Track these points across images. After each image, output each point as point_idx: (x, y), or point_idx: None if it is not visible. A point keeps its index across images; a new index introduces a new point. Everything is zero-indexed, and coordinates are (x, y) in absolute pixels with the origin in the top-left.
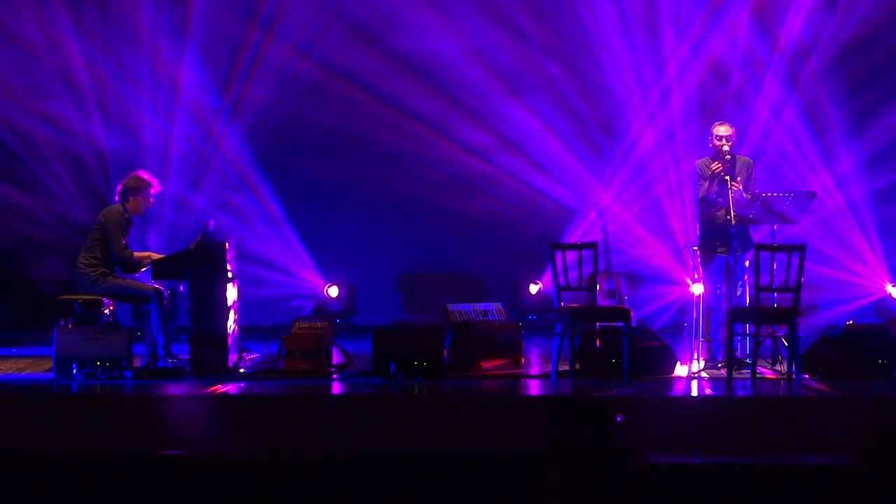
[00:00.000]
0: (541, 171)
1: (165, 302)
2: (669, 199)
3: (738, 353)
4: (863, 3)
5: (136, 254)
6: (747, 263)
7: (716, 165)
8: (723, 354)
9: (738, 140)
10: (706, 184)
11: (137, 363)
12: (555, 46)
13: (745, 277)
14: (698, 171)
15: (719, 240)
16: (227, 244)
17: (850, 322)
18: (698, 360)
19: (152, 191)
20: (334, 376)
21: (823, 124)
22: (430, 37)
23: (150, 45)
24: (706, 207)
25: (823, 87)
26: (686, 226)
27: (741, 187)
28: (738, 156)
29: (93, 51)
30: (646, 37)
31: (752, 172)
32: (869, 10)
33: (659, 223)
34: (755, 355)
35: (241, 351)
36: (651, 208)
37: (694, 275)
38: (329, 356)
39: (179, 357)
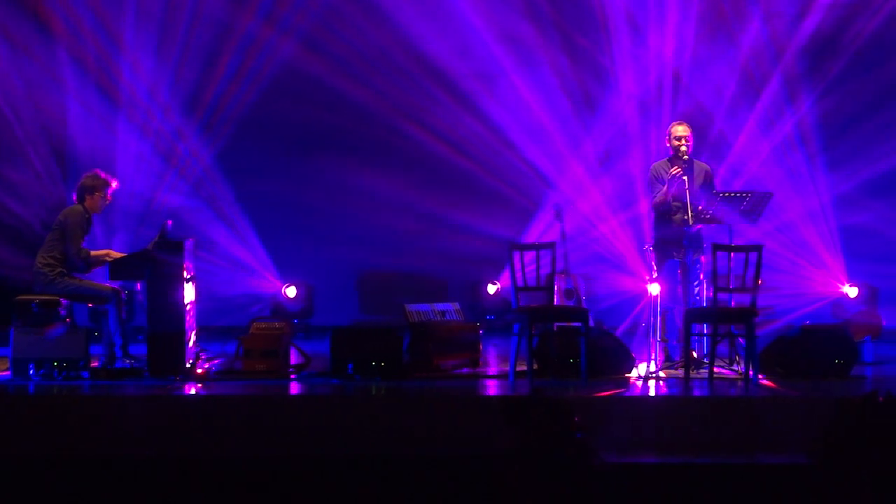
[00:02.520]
0: (500, 171)
1: (123, 302)
2: (625, 201)
3: (696, 353)
4: (828, 6)
5: (95, 252)
6: (703, 259)
7: (675, 170)
8: (680, 354)
9: (697, 144)
10: (665, 188)
11: (95, 364)
12: (518, 48)
13: (702, 277)
14: (654, 174)
15: (675, 241)
16: (185, 244)
17: (807, 322)
18: (655, 360)
19: (110, 189)
20: (292, 377)
21: (784, 127)
22: (389, 36)
23: (111, 43)
24: (662, 211)
25: (786, 91)
26: (644, 227)
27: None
28: (695, 160)
29: (50, 48)
30: (606, 40)
31: (710, 179)
32: (832, 14)
33: (618, 224)
34: (712, 355)
35: (198, 351)
36: (608, 211)
37: (651, 275)
38: (287, 356)
39: (137, 357)
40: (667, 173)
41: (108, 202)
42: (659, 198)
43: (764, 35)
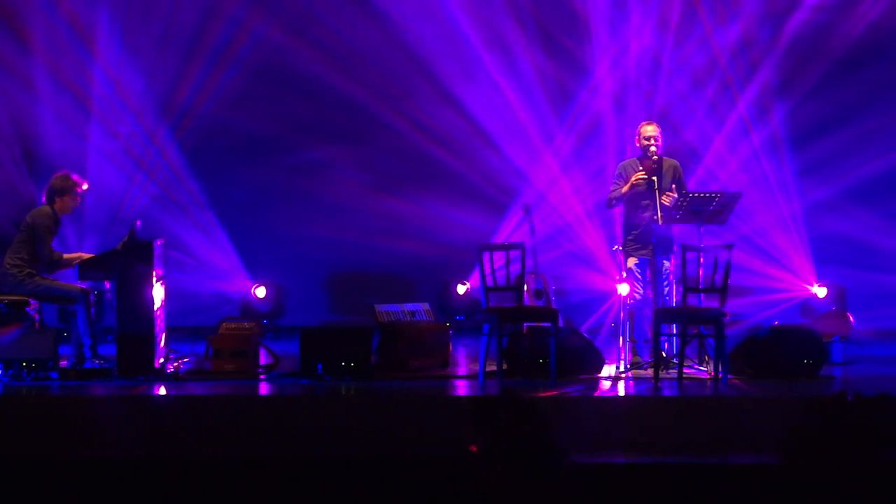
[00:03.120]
0: (470, 171)
1: (92, 302)
2: (597, 203)
3: (665, 353)
4: (801, 9)
5: (67, 255)
6: (671, 262)
7: (640, 175)
8: (649, 354)
9: (667, 143)
10: (624, 187)
11: (64, 364)
12: (491, 44)
13: (671, 278)
14: (619, 171)
15: (643, 240)
16: (154, 244)
17: (776, 322)
18: (625, 360)
19: (79, 190)
20: (262, 377)
21: (755, 130)
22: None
23: (82, 44)
24: (624, 208)
25: (758, 94)
26: (615, 227)
27: (674, 195)
28: (664, 158)
29: (21, 49)
30: (577, 39)
31: (679, 176)
32: (805, 17)
33: (587, 225)
34: (682, 355)
35: (168, 352)
36: (579, 211)
37: (620, 275)
38: (256, 357)
39: (106, 358)
40: (633, 173)
41: (77, 203)
42: (615, 193)
43: (738, 39)
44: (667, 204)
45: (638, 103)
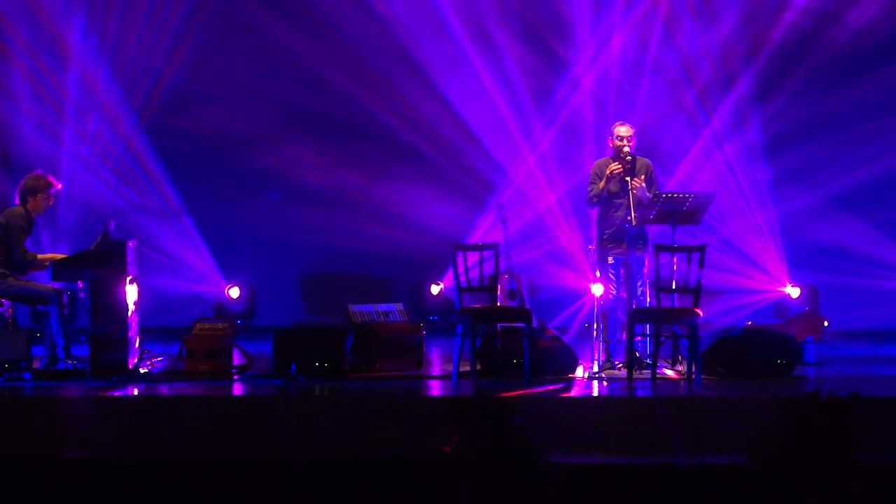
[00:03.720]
0: (443, 170)
1: (65, 303)
2: (571, 204)
3: (639, 354)
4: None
5: (40, 256)
6: (644, 262)
7: (615, 166)
8: (623, 355)
9: (639, 142)
10: (601, 183)
11: (37, 365)
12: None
13: (645, 278)
14: (594, 171)
15: (617, 240)
16: (127, 244)
17: (750, 322)
18: (598, 360)
19: (52, 190)
20: (235, 377)
21: (716, 119)
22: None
23: (56, 44)
24: (605, 204)
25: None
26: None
27: (643, 184)
28: (637, 156)
29: None
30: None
31: (652, 173)
32: (778, 16)
33: (560, 225)
34: (655, 355)
35: (141, 352)
36: (554, 211)
37: (594, 275)
38: (230, 357)
39: (80, 358)
40: (608, 169)
41: (50, 203)
42: (594, 192)
43: (717, 45)
44: (636, 189)
45: (617, 103)
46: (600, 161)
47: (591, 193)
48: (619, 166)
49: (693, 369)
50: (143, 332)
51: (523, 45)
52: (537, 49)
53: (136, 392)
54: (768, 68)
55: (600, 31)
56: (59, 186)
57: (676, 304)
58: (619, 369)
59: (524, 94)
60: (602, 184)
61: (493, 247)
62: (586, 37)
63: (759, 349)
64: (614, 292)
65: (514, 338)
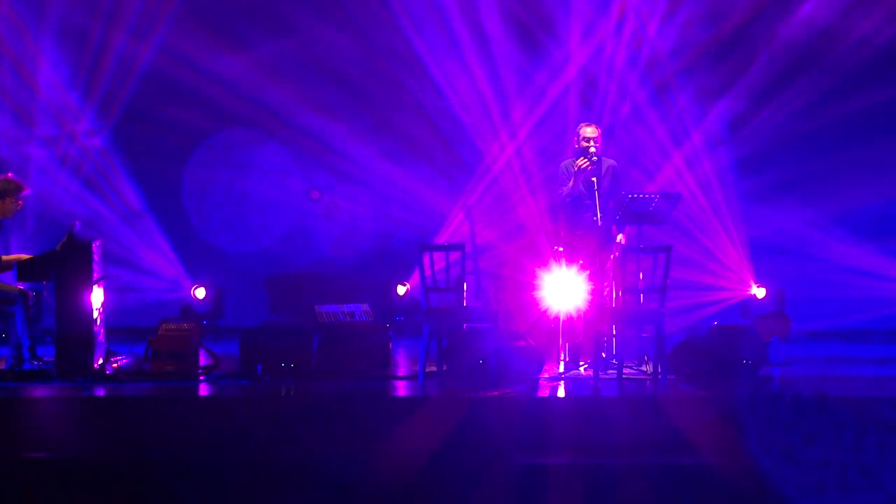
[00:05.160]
0: (411, 170)
1: (30, 304)
2: (536, 205)
3: (605, 354)
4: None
5: (5, 257)
6: (610, 262)
7: (583, 161)
8: (588, 355)
9: (603, 143)
10: (570, 182)
11: (2, 366)
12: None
13: (611, 279)
14: (563, 171)
15: (583, 240)
16: (93, 245)
17: (715, 323)
18: (565, 361)
19: (21, 193)
20: (201, 378)
21: (687, 123)
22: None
23: (23, 46)
24: (572, 204)
25: (687, 86)
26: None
27: (586, 163)
28: (603, 158)
29: None
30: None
31: (617, 174)
32: (732, 9)
33: (527, 226)
34: (621, 356)
35: (107, 353)
36: (520, 210)
37: (561, 275)
38: (196, 358)
39: (45, 359)
40: (574, 167)
41: (19, 207)
42: (566, 191)
43: (675, 37)
44: (583, 166)
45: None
46: (567, 162)
47: (565, 193)
48: (587, 161)
49: (659, 370)
50: (109, 332)
51: (503, 39)
52: (518, 43)
53: (101, 393)
54: (732, 62)
55: (571, 30)
56: (29, 191)
57: (642, 305)
58: (585, 370)
59: (495, 93)
60: (572, 182)
61: (460, 247)
62: (569, 32)
63: (724, 349)
64: (578, 293)
65: (481, 338)
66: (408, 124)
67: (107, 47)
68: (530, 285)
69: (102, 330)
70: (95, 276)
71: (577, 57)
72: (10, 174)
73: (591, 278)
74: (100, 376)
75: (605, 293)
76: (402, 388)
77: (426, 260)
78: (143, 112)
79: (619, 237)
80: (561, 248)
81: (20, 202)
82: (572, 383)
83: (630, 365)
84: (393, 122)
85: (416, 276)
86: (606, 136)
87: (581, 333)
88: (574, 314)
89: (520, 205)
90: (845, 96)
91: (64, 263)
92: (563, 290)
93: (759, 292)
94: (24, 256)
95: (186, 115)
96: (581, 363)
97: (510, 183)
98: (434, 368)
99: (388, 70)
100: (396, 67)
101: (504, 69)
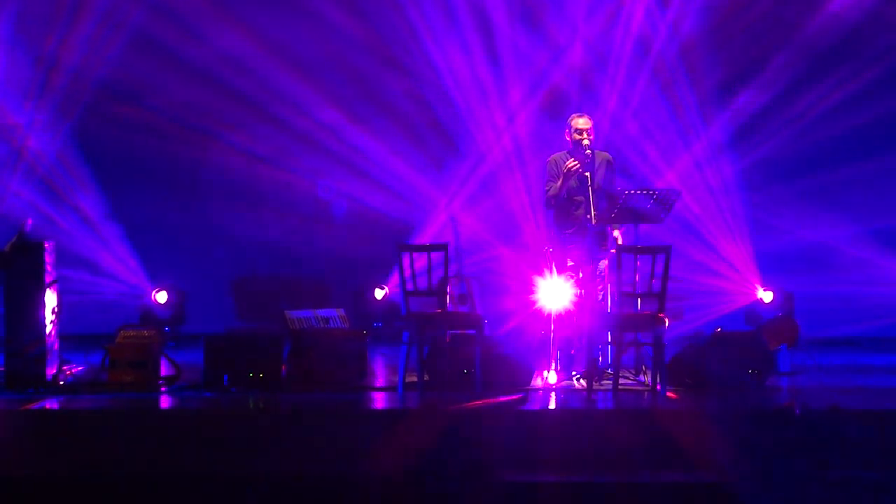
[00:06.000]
0: (389, 168)
1: None
2: (522, 202)
3: (599, 363)
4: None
5: None
6: (606, 264)
7: (572, 163)
8: (582, 364)
9: (599, 135)
10: (558, 182)
11: None
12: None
13: (606, 281)
14: (550, 167)
15: (576, 241)
16: (45, 245)
17: (719, 329)
18: (556, 370)
19: None
20: (162, 389)
21: (684, 115)
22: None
23: None
24: (556, 207)
25: (681, 73)
26: (538, 227)
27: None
28: (597, 151)
29: None
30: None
31: (612, 168)
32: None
33: (513, 225)
34: (617, 365)
35: (61, 362)
36: (505, 211)
37: (552, 278)
38: (157, 367)
39: None
40: (564, 167)
41: None
42: (552, 191)
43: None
44: (573, 168)
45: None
46: (556, 156)
47: (549, 194)
48: (577, 162)
49: (658, 380)
50: (63, 339)
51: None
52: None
53: (55, 405)
54: (741, 60)
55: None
56: None
57: (640, 310)
58: (579, 380)
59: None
60: (560, 183)
61: (443, 248)
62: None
63: (728, 358)
64: (573, 296)
65: (465, 346)
66: (395, 100)
67: (69, 40)
68: (519, 289)
69: (56, 337)
70: (48, 278)
71: (580, 39)
72: None
73: (584, 281)
74: (53, 387)
75: (600, 297)
76: (379, 400)
77: (406, 261)
78: (103, 107)
79: (616, 236)
80: (551, 249)
81: None
82: (564, 395)
83: (626, 375)
84: (380, 98)
85: (395, 278)
86: (610, 128)
87: (574, 341)
88: (566, 320)
89: (513, 198)
90: (868, 98)
91: (13, 265)
92: (554, 293)
93: (766, 296)
94: None
95: (149, 103)
96: (574, 373)
97: (504, 173)
98: (414, 379)
99: (380, 43)
100: (388, 39)
101: (502, 49)
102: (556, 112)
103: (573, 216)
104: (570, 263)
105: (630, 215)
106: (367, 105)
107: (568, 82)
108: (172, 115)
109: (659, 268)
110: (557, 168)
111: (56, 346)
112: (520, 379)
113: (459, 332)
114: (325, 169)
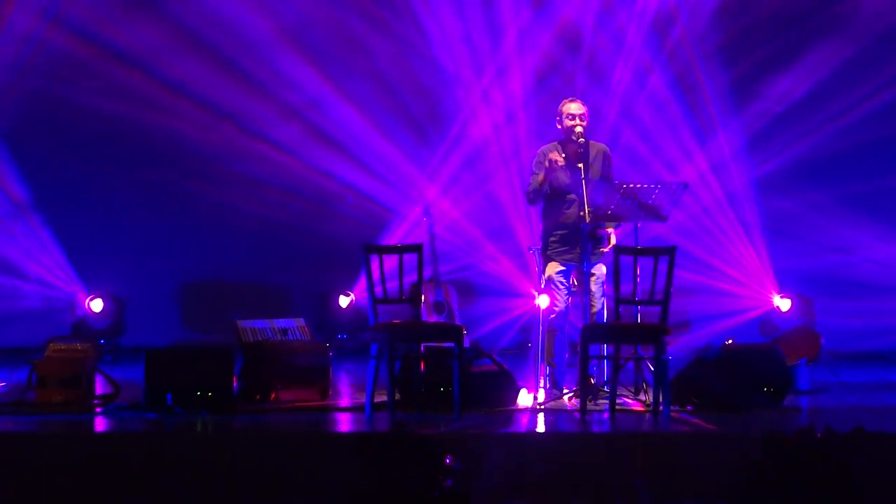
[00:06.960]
0: (354, 162)
1: None
2: (510, 194)
3: (595, 380)
4: None
5: None
6: (604, 270)
7: (555, 156)
8: (574, 381)
9: (592, 122)
10: (540, 175)
11: None
12: (369, 13)
13: (604, 288)
14: (538, 159)
15: (568, 242)
16: None
17: (730, 341)
18: (545, 387)
19: None
20: (97, 410)
21: (695, 102)
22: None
23: None
24: (543, 202)
25: (695, 56)
26: (529, 225)
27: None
28: (591, 141)
29: None
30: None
31: (609, 162)
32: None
33: (498, 223)
34: (614, 382)
35: None
36: (487, 205)
37: (539, 284)
38: (91, 385)
39: None
40: (546, 158)
41: None
42: (532, 185)
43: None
44: (557, 162)
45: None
46: (545, 148)
47: (531, 188)
48: (562, 158)
49: (660, 399)
50: None
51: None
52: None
53: None
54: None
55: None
56: None
57: (640, 320)
58: (570, 399)
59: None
60: (542, 176)
61: (416, 249)
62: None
63: (741, 374)
64: (560, 306)
65: (442, 361)
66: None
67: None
68: (504, 295)
69: None
70: None
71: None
72: None
73: (576, 287)
74: None
75: (597, 306)
76: (345, 422)
77: (374, 264)
78: (30, 95)
79: (612, 237)
80: (538, 249)
81: None
82: (554, 416)
83: (625, 393)
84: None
85: (361, 283)
86: (594, 115)
87: (565, 354)
88: (556, 330)
89: (503, 187)
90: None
91: None
92: (543, 301)
93: (783, 304)
94: None
95: (83, 96)
96: (565, 390)
97: (494, 161)
98: (384, 398)
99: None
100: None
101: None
102: (556, 96)
103: (564, 214)
104: (561, 267)
105: (629, 211)
106: (339, 66)
107: (572, 63)
108: (109, 100)
109: (662, 272)
110: (544, 159)
111: None
112: (503, 398)
113: (435, 344)
114: (281, 158)
